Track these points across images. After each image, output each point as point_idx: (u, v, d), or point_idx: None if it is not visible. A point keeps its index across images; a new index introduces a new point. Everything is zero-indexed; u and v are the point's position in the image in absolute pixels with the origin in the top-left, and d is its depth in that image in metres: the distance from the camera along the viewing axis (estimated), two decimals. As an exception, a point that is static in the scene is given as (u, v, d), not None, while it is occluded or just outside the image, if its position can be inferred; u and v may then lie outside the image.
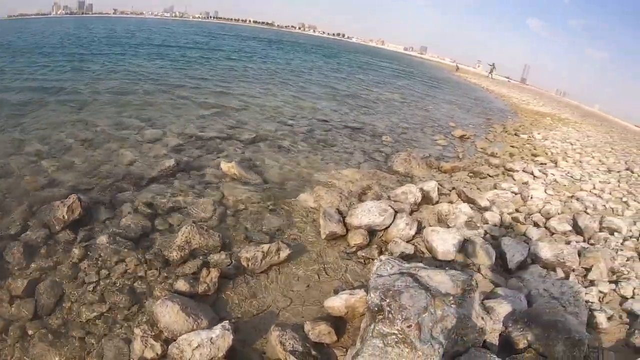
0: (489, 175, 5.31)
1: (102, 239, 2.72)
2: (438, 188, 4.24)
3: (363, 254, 3.03)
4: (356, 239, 3.09)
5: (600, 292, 2.76)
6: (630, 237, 3.82)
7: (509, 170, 5.58)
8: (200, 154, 4.55)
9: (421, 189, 3.93)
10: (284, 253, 2.73)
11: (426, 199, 3.93)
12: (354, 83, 12.82)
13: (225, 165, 4.00)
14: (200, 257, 2.73)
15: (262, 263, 2.67)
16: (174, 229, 3.02)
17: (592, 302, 2.62)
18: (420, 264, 2.28)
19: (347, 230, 3.20)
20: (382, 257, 2.42)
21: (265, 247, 2.71)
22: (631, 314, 2.56)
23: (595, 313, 2.47)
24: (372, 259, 2.94)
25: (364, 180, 4.34)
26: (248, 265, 2.66)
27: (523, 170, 5.54)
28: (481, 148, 6.85)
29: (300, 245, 3.06)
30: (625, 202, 5.04)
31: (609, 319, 2.50)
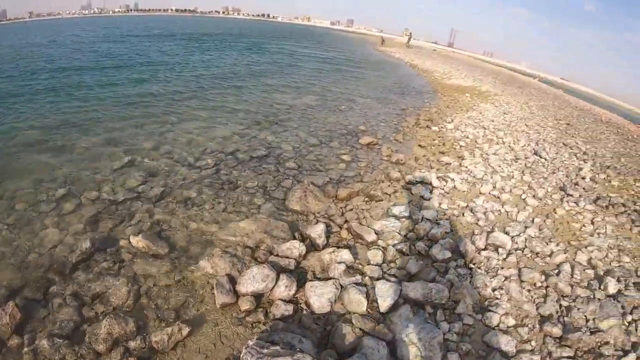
0: (387, 195, 5.43)
1: (43, 343, 2.90)
2: (329, 227, 4.49)
3: (250, 319, 3.19)
4: (245, 305, 3.28)
5: (465, 324, 3.02)
6: (516, 249, 4.20)
7: (408, 184, 5.71)
8: (113, 225, 4.53)
9: (309, 236, 4.16)
10: (185, 331, 2.99)
11: (314, 245, 4.13)
12: (270, 90, 12.53)
13: (134, 239, 4.07)
14: (122, 345, 2.94)
15: (168, 343, 2.92)
16: (99, 318, 3.18)
17: (450, 341, 2.88)
18: (278, 348, 2.55)
19: (238, 297, 3.38)
20: (249, 342, 2.61)
21: (169, 329, 2.97)
22: (489, 346, 2.86)
23: (448, 354, 2.75)
24: (259, 322, 3.16)
25: (258, 232, 4.49)
26: (158, 347, 2.90)
27: (422, 182, 5.59)
28: (386, 156, 7.06)
29: (201, 316, 3.27)
30: (524, 199, 5.31)
31: (467, 354, 2.78)
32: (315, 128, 8.65)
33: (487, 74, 24.93)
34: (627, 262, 4.04)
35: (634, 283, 3.68)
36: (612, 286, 3.53)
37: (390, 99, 12.84)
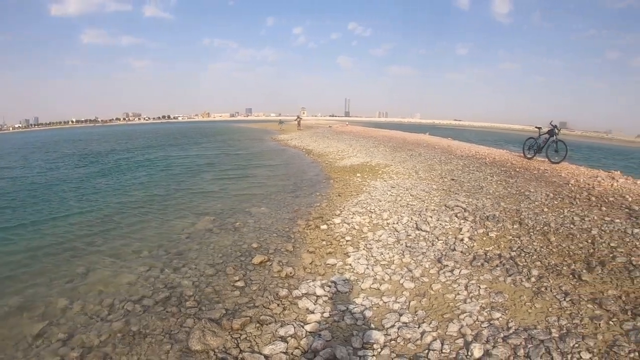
0: (276, 315, 5.90)
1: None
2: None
3: None
4: None
5: None
6: (390, 340, 4.74)
7: (295, 299, 6.23)
8: None
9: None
10: None
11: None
12: (169, 216, 12.81)
13: None
14: None
15: None
16: None
17: None
18: None
19: None
20: None
21: None
22: None
23: None
24: None
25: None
26: None
27: (307, 295, 6.15)
28: (277, 272, 7.62)
29: None
30: (401, 284, 5.95)
31: None
32: (212, 255, 9.10)
33: (379, 143, 26.91)
34: (497, 319, 4.80)
35: (503, 338, 4.43)
36: (477, 351, 4.21)
37: (283, 201, 13.64)
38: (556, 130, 15.35)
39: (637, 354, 3.82)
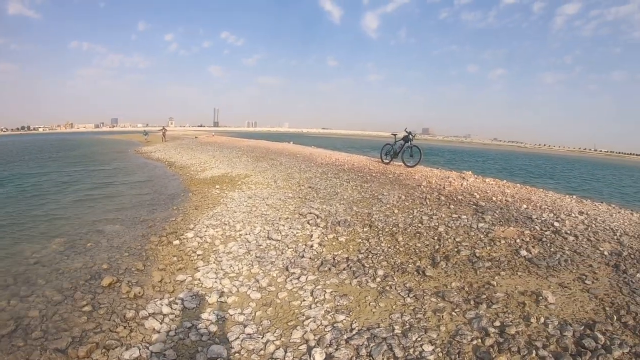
0: (122, 339, 5.73)
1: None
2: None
3: None
4: None
5: None
6: (234, 353, 4.71)
7: (142, 319, 6.01)
8: None
9: None
10: None
11: None
12: (16, 240, 11.69)
13: None
14: None
15: None
16: None
17: None
18: None
19: None
20: None
21: None
22: None
23: None
24: None
25: None
26: None
27: (151, 315, 5.94)
28: (125, 293, 7.25)
29: None
30: (248, 295, 5.90)
31: None
32: (61, 279, 8.36)
33: (243, 153, 26.81)
34: (341, 321, 4.93)
35: (346, 339, 4.54)
36: (319, 355, 4.30)
37: (139, 217, 12.97)
38: (410, 137, 16.37)
39: (479, 340, 4.12)
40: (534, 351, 3.81)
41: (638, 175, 56.55)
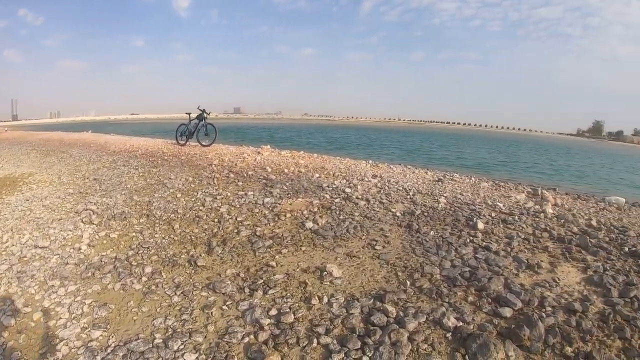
0: None
1: None
2: None
3: None
4: None
5: None
6: None
7: None
8: None
9: None
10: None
11: None
12: None
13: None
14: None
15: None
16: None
17: None
18: None
19: None
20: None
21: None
22: None
23: None
24: None
25: None
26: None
27: None
28: None
29: None
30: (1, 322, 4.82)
31: None
32: None
33: (33, 148, 23.64)
34: (97, 338, 4.07)
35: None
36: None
37: None
38: (205, 114, 15.69)
39: (252, 336, 3.57)
40: (315, 339, 3.42)
41: (440, 139, 62.83)
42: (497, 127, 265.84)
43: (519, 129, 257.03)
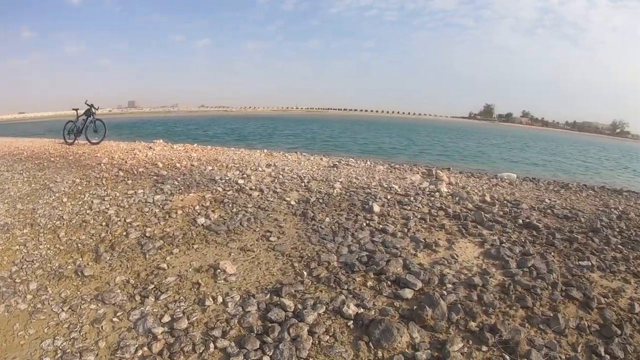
0: None
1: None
2: None
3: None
4: None
5: None
6: None
7: None
8: None
9: None
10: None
11: None
12: None
13: None
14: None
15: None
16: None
17: None
18: None
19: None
20: None
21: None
22: None
23: None
24: None
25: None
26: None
27: None
28: None
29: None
30: None
31: None
32: None
33: None
34: None
35: None
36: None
37: None
38: (93, 110, 14.70)
39: (146, 348, 3.29)
40: (211, 344, 3.22)
41: (340, 125, 63.76)
42: (397, 112, 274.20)
43: (416, 114, 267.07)
